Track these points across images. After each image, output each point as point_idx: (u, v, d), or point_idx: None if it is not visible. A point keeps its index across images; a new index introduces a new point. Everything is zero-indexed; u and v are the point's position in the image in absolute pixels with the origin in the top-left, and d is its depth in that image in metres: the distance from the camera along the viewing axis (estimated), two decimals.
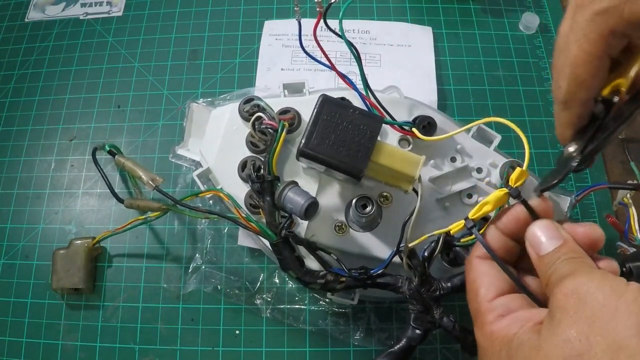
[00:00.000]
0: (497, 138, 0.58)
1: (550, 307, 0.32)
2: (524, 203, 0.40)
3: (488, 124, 0.59)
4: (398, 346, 0.50)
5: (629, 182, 0.69)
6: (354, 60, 0.56)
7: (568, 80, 0.38)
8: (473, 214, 0.42)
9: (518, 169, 0.42)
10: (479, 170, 0.57)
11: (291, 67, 0.79)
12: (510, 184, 0.42)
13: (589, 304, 0.30)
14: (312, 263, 0.53)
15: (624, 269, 0.58)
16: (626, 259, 0.59)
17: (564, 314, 0.30)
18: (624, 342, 0.28)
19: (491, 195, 0.41)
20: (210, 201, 0.64)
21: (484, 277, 0.39)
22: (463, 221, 0.42)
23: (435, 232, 0.45)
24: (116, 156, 0.67)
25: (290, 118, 0.56)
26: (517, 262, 0.42)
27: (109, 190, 0.67)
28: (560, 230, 0.38)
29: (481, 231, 0.48)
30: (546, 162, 0.71)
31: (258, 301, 0.64)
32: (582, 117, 0.40)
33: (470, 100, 0.74)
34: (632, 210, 0.61)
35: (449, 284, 0.50)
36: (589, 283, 0.31)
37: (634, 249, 0.60)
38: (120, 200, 0.66)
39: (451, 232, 0.43)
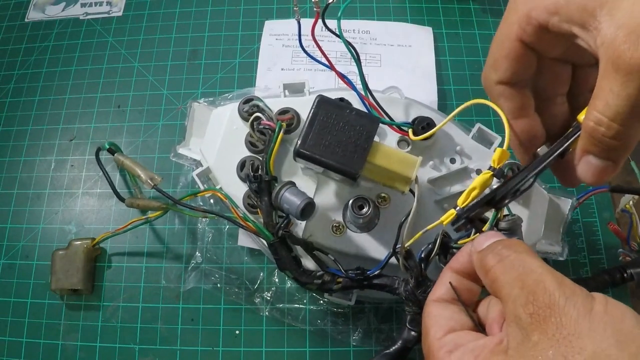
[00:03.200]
0: (497, 139, 0.58)
1: (519, 323, 0.31)
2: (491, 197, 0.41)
3: (488, 124, 0.59)
4: (393, 348, 0.49)
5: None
6: (353, 60, 0.56)
7: (487, 58, 0.40)
8: (462, 201, 0.42)
9: (499, 149, 0.42)
10: (479, 171, 0.57)
11: (291, 67, 0.79)
12: (492, 165, 0.42)
13: (565, 323, 0.29)
14: (309, 263, 0.54)
15: (625, 275, 0.59)
16: (627, 265, 0.59)
17: (542, 336, 0.29)
18: (604, 353, 0.28)
19: (476, 180, 0.42)
20: (211, 200, 0.65)
21: (435, 318, 0.39)
22: (454, 210, 0.42)
23: (428, 227, 0.45)
24: (115, 154, 0.68)
25: (289, 118, 0.56)
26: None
27: (108, 190, 0.68)
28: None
29: (483, 229, 0.48)
30: None
31: (257, 300, 0.64)
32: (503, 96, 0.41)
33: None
34: (635, 217, 0.61)
35: None
36: (562, 299, 0.30)
37: (636, 256, 0.60)
38: (122, 199, 0.66)
39: (444, 223, 0.43)
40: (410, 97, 0.60)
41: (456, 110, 0.47)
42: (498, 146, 0.54)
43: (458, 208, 0.42)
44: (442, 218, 0.43)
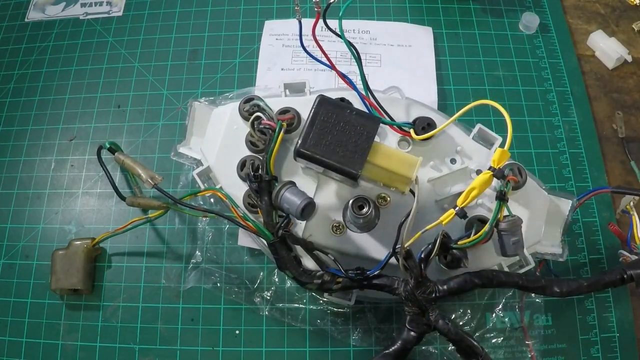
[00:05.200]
0: (498, 140, 0.58)
1: None
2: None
3: (488, 125, 0.59)
4: (393, 348, 0.49)
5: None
6: (354, 60, 0.56)
7: None
8: (461, 201, 0.42)
9: (499, 150, 0.42)
10: (479, 172, 0.57)
11: (291, 67, 0.79)
12: (493, 165, 0.42)
13: None
14: (309, 263, 0.54)
15: (625, 276, 0.58)
16: (628, 266, 0.59)
17: None
18: None
19: (476, 180, 0.42)
20: (212, 199, 0.65)
21: None
22: (453, 210, 0.42)
23: (427, 227, 0.45)
24: (116, 153, 0.68)
25: (290, 118, 0.56)
26: None
27: (108, 190, 0.68)
28: None
29: (480, 233, 0.48)
30: (546, 162, 0.71)
31: (257, 299, 0.64)
32: None
33: (470, 100, 0.74)
34: (635, 218, 0.61)
35: (445, 287, 0.50)
36: None
37: (636, 257, 0.60)
38: (123, 198, 0.66)
39: (443, 223, 0.43)
40: (410, 97, 0.60)
41: (462, 111, 0.47)
42: (499, 147, 0.54)
43: (457, 208, 0.42)
44: (442, 218, 0.43)
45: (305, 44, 0.59)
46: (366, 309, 0.64)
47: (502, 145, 0.53)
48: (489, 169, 0.43)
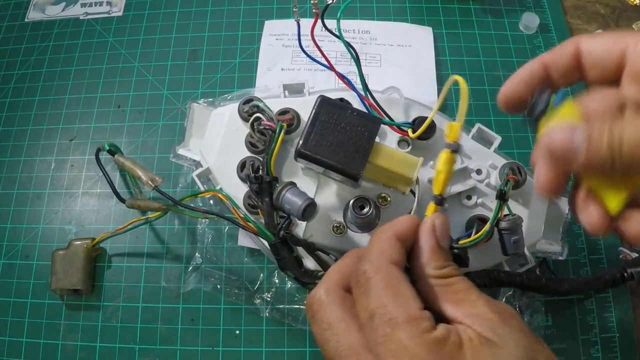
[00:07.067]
0: (497, 139, 0.58)
1: None
2: None
3: (487, 124, 0.59)
4: None
5: None
6: (353, 60, 0.56)
7: None
8: (436, 188, 0.42)
9: (448, 123, 0.41)
10: (479, 171, 0.57)
11: (291, 67, 0.79)
12: (446, 140, 0.41)
13: None
14: (310, 263, 0.53)
15: (626, 274, 0.59)
16: (628, 264, 0.59)
17: None
18: None
19: (439, 162, 0.41)
20: (211, 201, 0.64)
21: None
22: (432, 203, 0.42)
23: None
24: (115, 155, 0.67)
25: (289, 119, 0.56)
26: None
27: (108, 191, 0.67)
28: None
29: (481, 232, 0.48)
30: None
31: (257, 301, 0.64)
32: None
33: (471, 100, 0.74)
34: None
35: None
36: None
37: (636, 254, 0.60)
38: (122, 200, 0.66)
39: (426, 215, 0.42)
40: (410, 98, 0.60)
41: (441, 96, 0.45)
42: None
43: (435, 197, 0.42)
44: (427, 213, 0.43)
45: (304, 45, 0.59)
46: None
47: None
48: (445, 145, 0.42)
